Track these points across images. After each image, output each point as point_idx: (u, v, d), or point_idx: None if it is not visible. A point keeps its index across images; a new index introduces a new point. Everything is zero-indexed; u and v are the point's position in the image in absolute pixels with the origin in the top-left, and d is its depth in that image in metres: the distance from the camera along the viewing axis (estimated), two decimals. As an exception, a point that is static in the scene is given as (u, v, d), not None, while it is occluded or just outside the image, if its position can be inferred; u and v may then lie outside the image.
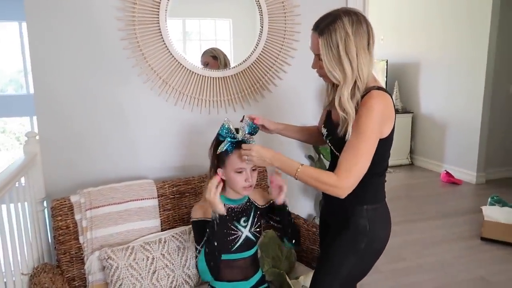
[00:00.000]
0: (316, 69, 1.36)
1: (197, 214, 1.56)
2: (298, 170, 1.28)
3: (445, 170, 4.67)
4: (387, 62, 5.36)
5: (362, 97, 1.25)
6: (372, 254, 1.40)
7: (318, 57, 1.30)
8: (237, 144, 1.45)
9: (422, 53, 5.20)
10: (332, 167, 1.35)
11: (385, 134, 1.28)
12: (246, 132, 1.48)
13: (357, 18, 1.23)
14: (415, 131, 5.45)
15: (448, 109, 4.89)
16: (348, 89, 1.24)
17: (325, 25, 1.24)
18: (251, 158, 1.35)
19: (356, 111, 1.25)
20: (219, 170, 1.50)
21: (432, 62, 5.08)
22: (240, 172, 1.46)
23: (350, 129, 1.24)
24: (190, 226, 1.77)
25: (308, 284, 1.73)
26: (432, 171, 5.06)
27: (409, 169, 5.35)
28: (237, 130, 1.48)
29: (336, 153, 1.34)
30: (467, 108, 4.62)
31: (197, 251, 1.54)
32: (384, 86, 5.62)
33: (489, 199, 3.54)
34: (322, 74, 1.32)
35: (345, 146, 1.25)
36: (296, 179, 1.30)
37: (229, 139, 1.44)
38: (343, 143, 1.27)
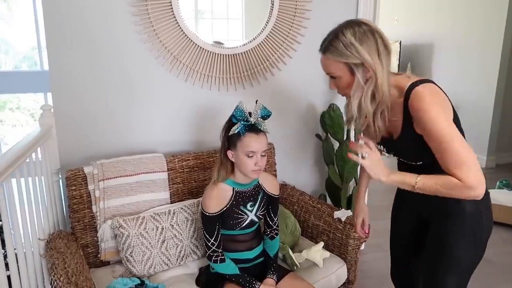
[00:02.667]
0: (336, 90, 1.30)
1: (210, 206, 1.53)
2: (416, 186, 1.17)
3: (455, 153, 4.63)
4: (400, 43, 5.28)
5: (406, 100, 1.17)
6: (485, 239, 1.31)
7: (330, 76, 1.25)
8: (250, 127, 1.47)
9: (436, 34, 5.11)
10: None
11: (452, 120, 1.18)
12: (259, 116, 1.50)
13: (360, 29, 1.17)
14: (426, 114, 5.41)
15: (461, 91, 4.83)
16: (365, 95, 1.18)
17: (328, 42, 1.20)
18: (366, 161, 1.19)
19: (407, 117, 1.18)
20: (229, 152, 1.52)
21: (446, 43, 4.99)
22: (251, 156, 1.48)
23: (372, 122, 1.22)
24: (199, 199, 1.83)
25: (310, 257, 1.79)
26: (442, 154, 5.03)
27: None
28: (250, 113, 1.49)
29: (410, 163, 1.29)
30: (480, 90, 4.56)
31: (211, 248, 1.55)
32: (397, 69, 5.48)
33: (498, 183, 3.54)
34: (342, 92, 1.28)
35: (440, 158, 1.15)
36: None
37: (242, 122, 1.46)
38: (409, 150, 1.24)
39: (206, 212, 1.54)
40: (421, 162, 1.25)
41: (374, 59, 1.15)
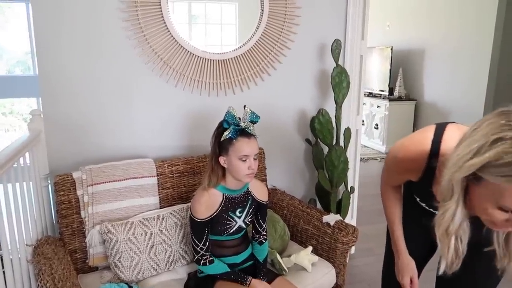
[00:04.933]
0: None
1: (199, 212, 1.53)
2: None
3: (446, 158, 4.67)
4: (391, 49, 5.33)
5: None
6: None
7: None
8: (241, 132, 1.48)
9: (427, 40, 5.17)
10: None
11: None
12: (248, 121, 1.52)
13: None
14: (418, 119, 5.46)
15: (451, 97, 4.89)
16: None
17: None
18: None
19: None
20: (221, 158, 1.52)
21: (437, 49, 5.05)
22: (244, 160, 1.49)
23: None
24: (188, 204, 1.84)
25: (299, 262, 1.80)
26: (434, 159, 5.07)
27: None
28: (240, 118, 1.51)
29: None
30: (470, 96, 4.61)
31: (199, 252, 1.55)
32: (389, 74, 5.50)
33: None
34: None
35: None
36: None
37: (233, 127, 1.48)
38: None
39: (195, 218, 1.54)
40: None
41: None
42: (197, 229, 1.55)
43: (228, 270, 1.58)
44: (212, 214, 1.55)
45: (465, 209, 0.91)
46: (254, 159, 1.52)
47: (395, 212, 1.31)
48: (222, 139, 1.49)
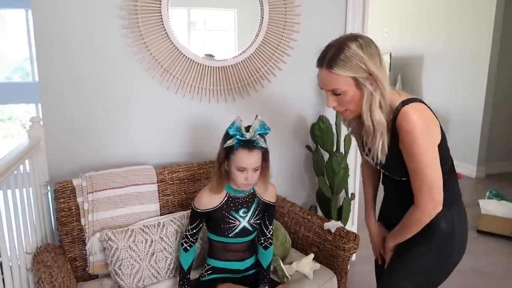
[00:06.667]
0: (334, 107, 1.24)
1: (201, 203, 1.58)
2: (389, 244, 1.36)
3: (446, 164, 4.69)
4: (390, 55, 5.36)
5: (395, 118, 1.17)
6: (452, 262, 1.33)
7: (332, 92, 1.20)
8: (244, 143, 1.46)
9: (426, 47, 5.20)
10: (395, 193, 1.37)
11: (438, 140, 1.20)
12: (257, 132, 1.48)
13: (363, 40, 1.15)
14: (417, 125, 5.46)
15: (450, 103, 4.90)
16: (374, 107, 1.17)
17: (332, 57, 1.15)
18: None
19: (395, 135, 1.19)
20: (225, 162, 1.52)
21: (435, 55, 5.07)
22: (241, 171, 1.49)
23: (381, 140, 1.20)
24: (189, 211, 1.83)
25: (300, 269, 1.79)
26: (433, 165, 5.08)
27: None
28: (248, 127, 1.49)
29: (395, 178, 1.29)
30: (469, 102, 4.63)
31: (186, 234, 1.63)
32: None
33: (487, 193, 3.58)
34: (343, 108, 1.24)
35: (410, 176, 1.20)
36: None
37: (237, 137, 1.47)
38: (395, 166, 1.24)
39: (195, 208, 1.59)
40: (405, 178, 1.26)
41: (379, 70, 1.15)
42: (193, 217, 1.62)
43: (185, 269, 1.63)
44: (211, 209, 1.57)
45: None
46: (255, 170, 1.51)
47: (369, 192, 1.55)
48: (225, 145, 1.49)
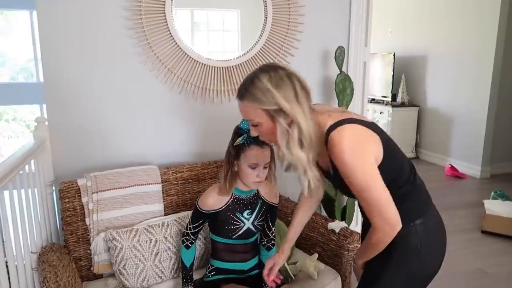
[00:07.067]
0: (258, 136, 1.25)
1: (207, 204, 1.57)
2: (358, 261, 1.29)
3: (450, 164, 4.68)
4: (394, 55, 5.34)
5: (326, 143, 1.12)
6: (426, 275, 1.27)
7: (251, 123, 1.21)
8: (254, 139, 1.46)
9: (429, 46, 5.18)
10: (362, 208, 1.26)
11: (379, 157, 1.13)
12: None
13: (276, 73, 1.13)
14: (421, 125, 5.45)
15: (454, 103, 4.88)
16: (291, 141, 1.14)
17: (244, 89, 1.16)
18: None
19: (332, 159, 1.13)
20: (234, 162, 1.52)
21: (439, 55, 5.05)
22: (254, 168, 1.49)
23: (305, 178, 1.20)
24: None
25: (305, 269, 1.79)
26: (437, 165, 5.06)
27: (414, 162, 5.29)
28: None
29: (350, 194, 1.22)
30: (473, 102, 4.60)
31: (187, 232, 1.63)
32: (391, 80, 5.49)
33: (492, 193, 3.56)
34: (267, 139, 1.25)
35: (358, 199, 1.15)
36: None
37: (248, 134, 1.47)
38: (342, 186, 1.17)
39: (200, 208, 1.59)
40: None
41: (292, 105, 1.12)
42: (196, 217, 1.61)
43: (187, 266, 1.63)
44: (216, 210, 1.57)
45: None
46: (265, 167, 1.51)
47: (291, 230, 1.51)
48: (235, 144, 1.49)
